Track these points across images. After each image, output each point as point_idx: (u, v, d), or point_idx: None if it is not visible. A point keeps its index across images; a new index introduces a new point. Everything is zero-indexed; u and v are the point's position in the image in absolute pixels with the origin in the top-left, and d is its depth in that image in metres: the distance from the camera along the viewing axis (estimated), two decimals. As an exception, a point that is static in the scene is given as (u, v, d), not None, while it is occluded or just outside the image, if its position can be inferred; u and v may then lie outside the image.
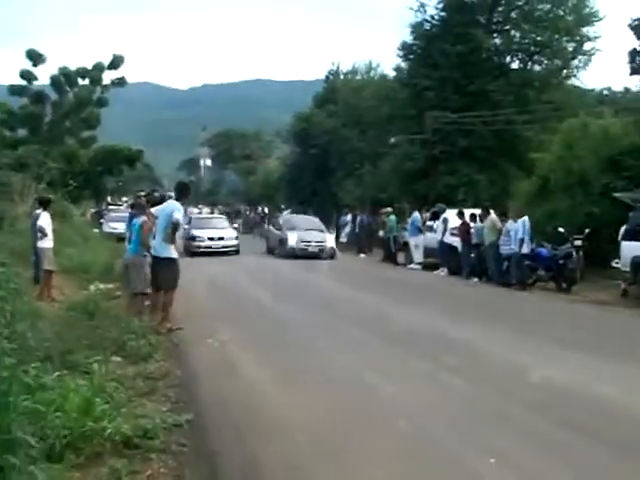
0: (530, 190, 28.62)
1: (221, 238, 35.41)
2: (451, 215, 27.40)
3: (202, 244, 34.63)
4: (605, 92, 51.46)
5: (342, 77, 63.70)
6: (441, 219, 27.86)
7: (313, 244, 33.83)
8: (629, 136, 26.65)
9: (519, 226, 22.14)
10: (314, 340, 13.23)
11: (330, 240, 35.02)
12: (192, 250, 33.92)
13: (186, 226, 34.04)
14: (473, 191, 37.67)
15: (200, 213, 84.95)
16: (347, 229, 43.94)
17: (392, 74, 53.16)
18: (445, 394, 9.33)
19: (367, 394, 9.30)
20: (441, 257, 27.58)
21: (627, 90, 44.78)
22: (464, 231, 25.55)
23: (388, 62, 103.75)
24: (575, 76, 44.90)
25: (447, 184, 39.17)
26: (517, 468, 6.68)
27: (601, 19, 42.70)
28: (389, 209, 34.26)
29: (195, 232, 35.36)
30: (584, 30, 42.83)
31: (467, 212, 26.33)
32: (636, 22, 29.21)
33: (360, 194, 47.90)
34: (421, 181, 40.84)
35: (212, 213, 75.19)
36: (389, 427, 7.85)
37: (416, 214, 30.51)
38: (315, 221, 38.42)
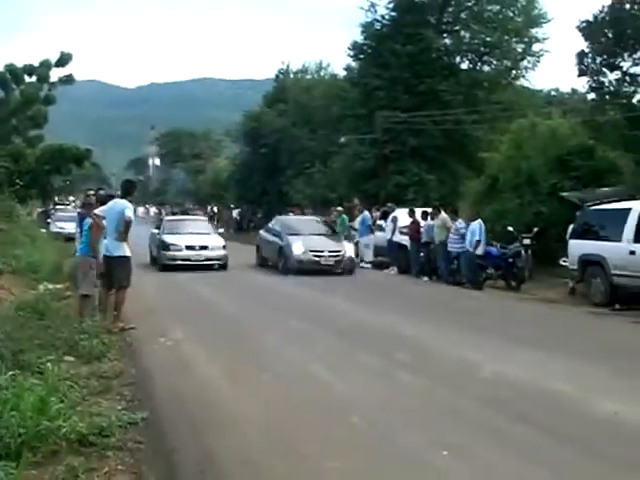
0: (479, 189, 28.80)
1: (204, 247, 26.81)
2: (401, 214, 27.49)
3: (178, 254, 26.29)
4: (553, 93, 52.21)
5: (292, 76, 63.79)
6: (390, 218, 27.95)
7: (326, 254, 25.67)
8: (577, 136, 27.02)
9: (476, 228, 22.26)
10: (265, 336, 13.22)
11: (349, 249, 26.73)
12: (164, 262, 26.24)
13: (156, 230, 28.84)
14: (423, 190, 37.87)
15: (147, 213, 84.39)
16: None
17: (343, 74, 53.45)
18: (398, 390, 9.35)
19: (320, 390, 9.30)
20: (390, 256, 27.65)
21: (575, 91, 45.44)
22: (414, 230, 25.63)
23: (339, 62, 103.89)
24: (524, 77, 45.57)
25: (397, 183, 39.37)
26: (471, 460, 6.73)
27: (549, 21, 43.41)
28: (340, 208, 34.18)
29: (169, 239, 26.84)
30: (533, 31, 43.52)
31: (418, 211, 26.44)
32: (584, 24, 29.49)
33: (310, 193, 47.94)
34: (371, 180, 41.04)
35: (160, 213, 74.53)
36: (343, 422, 7.84)
37: (366, 213, 30.52)
38: (322, 224, 30.36)
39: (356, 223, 30.40)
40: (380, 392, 9.22)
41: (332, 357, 11.35)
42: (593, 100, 32.30)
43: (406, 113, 39.49)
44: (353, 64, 49.18)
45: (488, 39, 43.23)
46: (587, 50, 29.84)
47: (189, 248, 26.55)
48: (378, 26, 45.78)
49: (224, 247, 27.30)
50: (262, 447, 7.12)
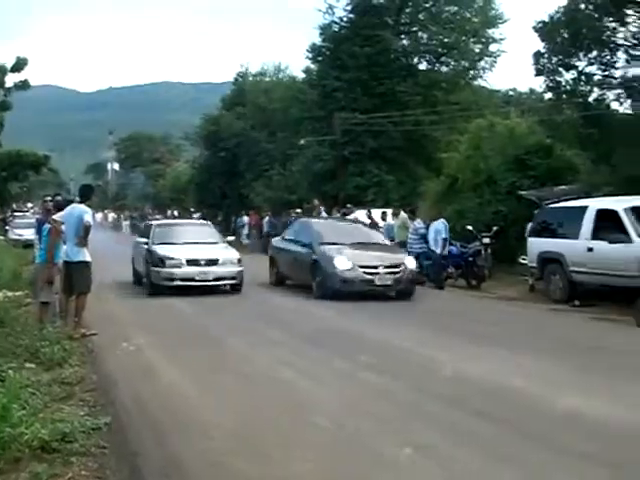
0: (439, 189, 28.97)
1: (212, 262, 20.23)
2: (360, 215, 27.60)
3: (177, 272, 19.81)
4: (511, 93, 52.70)
5: (251, 79, 63.65)
6: (351, 218, 28.01)
7: (382, 271, 18.96)
8: (535, 136, 27.26)
9: (441, 227, 22.36)
10: (228, 339, 13.16)
11: (410, 262, 19.75)
12: (156, 282, 19.90)
13: (142, 239, 22.57)
14: (382, 191, 38.03)
15: (106, 218, 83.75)
16: (245, 231, 44.16)
17: (302, 76, 53.49)
18: (364, 391, 9.33)
19: (286, 392, 9.25)
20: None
21: (532, 91, 45.84)
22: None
23: (298, 64, 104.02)
24: (481, 77, 45.99)
25: (357, 185, 39.53)
26: (436, 458, 6.72)
27: (506, 21, 43.95)
28: (298, 210, 34.16)
29: (162, 250, 20.35)
30: (490, 32, 44.04)
31: (377, 211, 26.56)
32: (540, 24, 29.71)
33: (270, 196, 47.87)
34: (331, 182, 41.13)
35: (119, 218, 73.85)
36: (309, 424, 7.82)
37: (323, 214, 30.54)
38: (364, 230, 23.43)
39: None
40: (347, 394, 9.21)
41: (298, 358, 11.37)
42: (550, 99, 32.57)
43: (365, 114, 39.69)
44: (312, 66, 49.26)
45: (446, 40, 43.74)
46: (543, 50, 30.04)
47: (192, 263, 20.00)
48: (336, 28, 45.95)
49: (239, 261, 20.75)
50: (229, 450, 7.04)
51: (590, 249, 17.49)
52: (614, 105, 29.69)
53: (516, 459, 6.71)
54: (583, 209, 18.28)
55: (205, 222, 28.59)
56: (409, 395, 9.12)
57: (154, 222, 25.88)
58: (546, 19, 29.67)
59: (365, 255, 19.59)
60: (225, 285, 20.62)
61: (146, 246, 21.16)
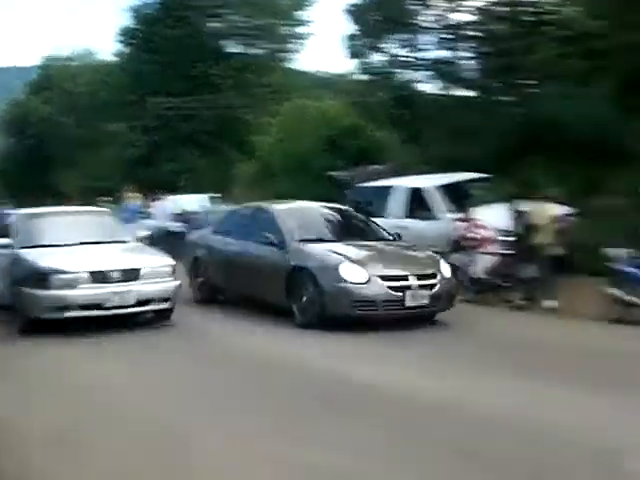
0: (252, 173, 28.78)
1: (131, 274, 11.96)
2: (171, 202, 27.15)
3: (73, 295, 11.51)
4: (326, 75, 53.27)
5: (59, 63, 61.82)
6: (162, 205, 27.43)
7: (414, 283, 11.70)
8: (348, 117, 27.41)
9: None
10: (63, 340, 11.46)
11: (445, 268, 12.47)
12: (37, 314, 11.63)
13: (3, 241, 12.90)
14: (195, 176, 37.62)
15: None
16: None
17: (114, 60, 52.38)
18: (205, 387, 8.76)
19: (108, 393, 8.50)
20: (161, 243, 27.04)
21: (346, 73, 46.52)
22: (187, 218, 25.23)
23: (111, 48, 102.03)
24: (291, 59, 46.50)
25: (171, 170, 39.00)
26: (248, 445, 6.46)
27: (314, 3, 44.98)
28: (105, 198, 33.21)
29: (43, 259, 11.91)
30: (298, 14, 44.34)
31: (190, 198, 26.19)
32: (352, 7, 29.88)
33: (80, 183, 46.63)
34: (144, 168, 40.36)
35: None
36: (127, 420, 7.37)
37: (137, 202, 29.74)
38: (357, 218, 15.02)
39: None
40: (195, 393, 8.54)
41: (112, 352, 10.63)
42: (363, 81, 32.89)
43: (178, 98, 39.14)
44: (125, 49, 48.08)
45: (257, 22, 43.54)
46: (356, 33, 30.24)
47: (98, 278, 11.80)
48: (148, 10, 45.09)
49: (174, 271, 12.69)
50: (47, 455, 6.53)
51: (404, 227, 17.50)
52: (424, 86, 30.24)
53: (329, 430, 6.78)
54: (391, 188, 18.49)
55: (102, 209, 17.46)
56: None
57: (13, 212, 15.77)
58: (358, 2, 29.89)
59: (381, 259, 12.65)
60: (148, 314, 12.54)
61: (9, 251, 12.70)
